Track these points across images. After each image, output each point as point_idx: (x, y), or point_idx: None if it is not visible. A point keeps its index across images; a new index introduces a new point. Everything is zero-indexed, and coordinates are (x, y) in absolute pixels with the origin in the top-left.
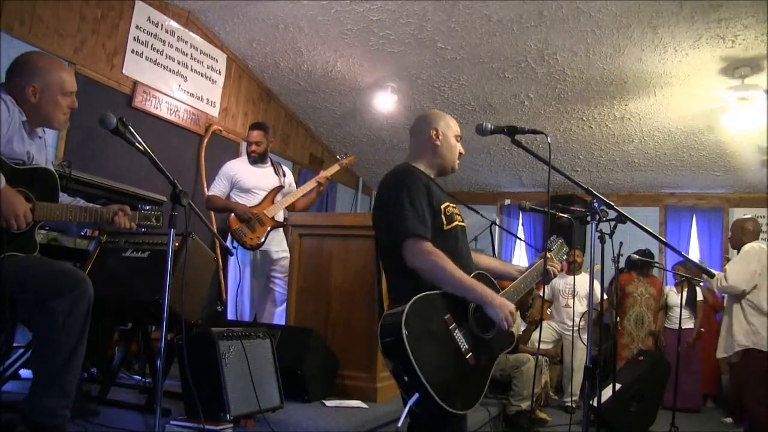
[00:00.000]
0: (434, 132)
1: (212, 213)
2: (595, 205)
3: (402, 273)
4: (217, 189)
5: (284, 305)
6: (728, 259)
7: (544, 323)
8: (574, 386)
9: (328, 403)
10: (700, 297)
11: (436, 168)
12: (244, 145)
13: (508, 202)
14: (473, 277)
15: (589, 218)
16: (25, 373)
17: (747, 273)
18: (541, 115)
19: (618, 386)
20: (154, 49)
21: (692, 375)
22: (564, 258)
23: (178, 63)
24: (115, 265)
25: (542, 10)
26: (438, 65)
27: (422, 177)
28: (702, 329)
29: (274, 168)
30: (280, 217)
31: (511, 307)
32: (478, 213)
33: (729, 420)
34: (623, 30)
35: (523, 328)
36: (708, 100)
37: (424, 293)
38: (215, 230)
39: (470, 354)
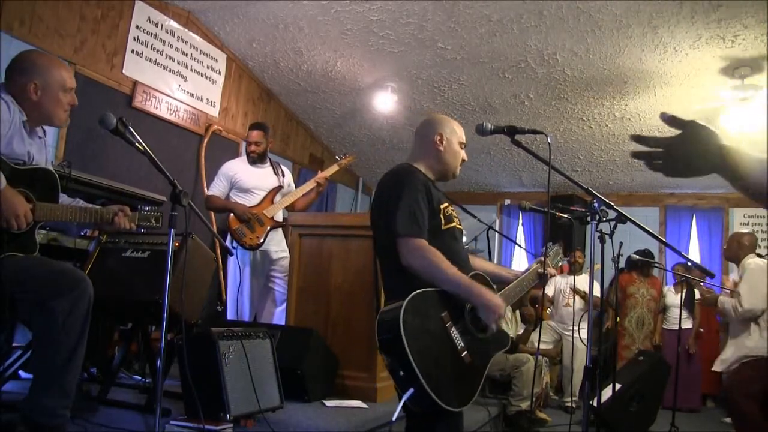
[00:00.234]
0: (438, 137)
1: (212, 213)
2: (595, 205)
3: (399, 271)
4: (217, 189)
5: (284, 305)
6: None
7: (544, 323)
8: (574, 386)
9: (328, 403)
10: (698, 296)
11: (436, 172)
12: (243, 145)
13: (508, 202)
14: (470, 277)
15: (589, 218)
16: (25, 373)
17: (760, 292)
18: (541, 115)
19: (618, 386)
20: (154, 49)
21: (691, 375)
22: (560, 264)
23: (178, 63)
24: (115, 265)
25: (542, 10)
26: (438, 65)
27: (422, 177)
28: (701, 329)
29: (273, 168)
30: (279, 217)
31: (502, 308)
32: (474, 217)
33: (729, 420)
34: (623, 30)
35: (521, 330)
36: (708, 100)
37: (421, 290)
38: (215, 230)
39: (465, 352)
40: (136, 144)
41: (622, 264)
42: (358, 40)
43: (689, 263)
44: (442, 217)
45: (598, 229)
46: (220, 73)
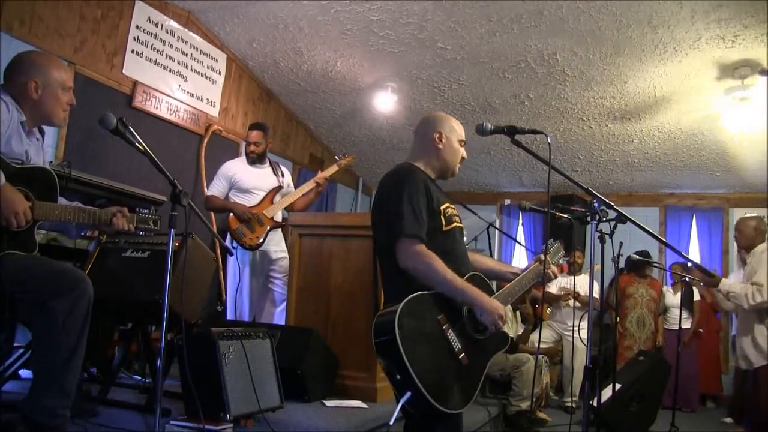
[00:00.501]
0: (438, 135)
1: (212, 213)
2: (595, 205)
3: (398, 273)
4: (216, 189)
5: (283, 305)
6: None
7: (544, 323)
8: (574, 386)
9: (328, 403)
10: (697, 297)
11: (436, 171)
12: (244, 145)
13: (508, 202)
14: (467, 278)
15: (589, 218)
16: (25, 373)
17: None
18: (541, 115)
19: (618, 386)
20: (154, 49)
21: (689, 376)
22: (560, 261)
23: (178, 63)
24: (115, 265)
25: (542, 10)
26: (438, 65)
27: (422, 177)
28: (700, 329)
29: (273, 168)
30: (278, 217)
31: (501, 310)
32: (475, 214)
33: (729, 420)
34: (623, 30)
35: (521, 330)
36: (708, 100)
37: (418, 293)
38: (215, 230)
39: (463, 354)
40: (136, 144)
41: (621, 264)
42: (358, 40)
43: (689, 263)
44: (442, 218)
45: (598, 229)
46: (220, 73)
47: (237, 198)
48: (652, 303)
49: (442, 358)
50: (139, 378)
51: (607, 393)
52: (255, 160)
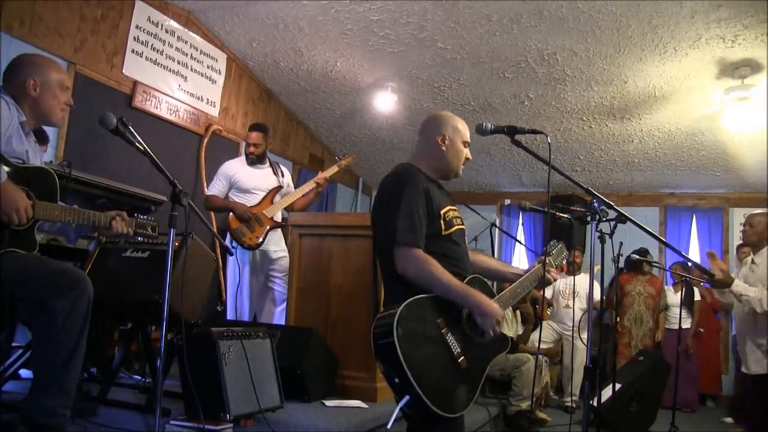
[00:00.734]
0: (441, 137)
1: (212, 213)
2: (595, 205)
3: (397, 275)
4: (216, 189)
5: (283, 305)
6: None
7: (544, 323)
8: (574, 386)
9: (328, 403)
10: (697, 297)
11: (438, 172)
12: (244, 145)
13: (508, 202)
14: (467, 281)
15: (589, 218)
16: (25, 373)
17: None
18: (541, 115)
19: (618, 386)
20: (154, 49)
21: (689, 376)
22: (563, 263)
23: (178, 63)
24: (115, 265)
25: (542, 10)
26: (438, 65)
27: (423, 179)
28: (701, 329)
29: (273, 168)
30: (278, 217)
31: (499, 314)
32: (478, 214)
33: (729, 420)
34: (623, 30)
35: (521, 330)
36: (708, 100)
37: (417, 296)
38: (215, 230)
39: (462, 357)
40: (136, 144)
41: (621, 264)
42: (358, 40)
43: (689, 263)
44: (442, 222)
45: (598, 229)
46: (220, 73)
47: (237, 198)
48: (650, 300)
49: (441, 362)
50: (139, 378)
51: (607, 393)
52: (254, 160)
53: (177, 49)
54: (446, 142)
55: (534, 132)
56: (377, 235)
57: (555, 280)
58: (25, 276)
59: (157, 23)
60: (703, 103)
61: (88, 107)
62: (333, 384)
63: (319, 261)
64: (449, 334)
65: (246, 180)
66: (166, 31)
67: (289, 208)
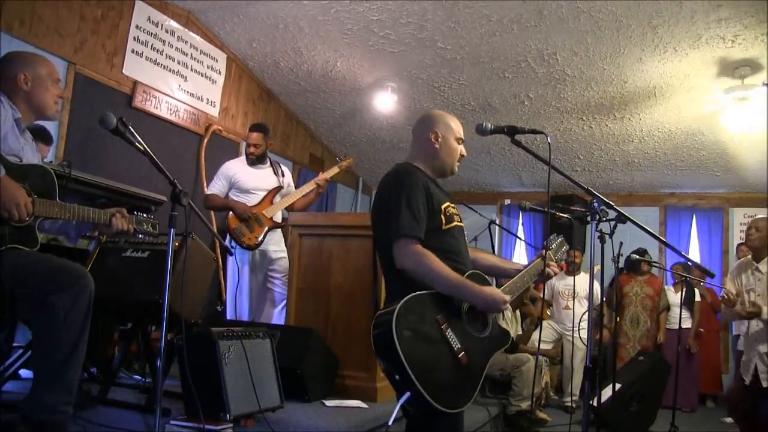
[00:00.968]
0: (433, 135)
1: (212, 213)
2: (595, 205)
3: (397, 272)
4: (216, 188)
5: (283, 305)
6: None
7: (544, 323)
8: (574, 386)
9: (328, 403)
10: (698, 297)
11: (435, 170)
12: (244, 145)
13: (508, 202)
14: (467, 276)
15: (589, 218)
16: (25, 373)
17: None
18: (541, 115)
19: (618, 386)
20: (154, 49)
21: (689, 376)
22: (564, 257)
23: (178, 63)
24: (115, 264)
25: (542, 10)
26: (438, 65)
27: (422, 177)
28: (701, 330)
29: (273, 168)
30: (278, 217)
31: (502, 297)
32: (476, 212)
33: (729, 420)
34: (623, 30)
35: (521, 331)
36: (708, 100)
37: (416, 293)
38: (215, 230)
39: (463, 353)
40: (136, 144)
41: (621, 264)
42: (358, 39)
43: (690, 263)
44: (442, 217)
45: (598, 229)
46: (220, 72)
47: (237, 198)
48: (648, 300)
49: (441, 358)
50: (139, 378)
51: (607, 393)
52: (255, 161)
53: (177, 49)
54: (439, 139)
55: (534, 132)
56: (377, 234)
57: (555, 273)
58: (26, 273)
59: (157, 23)
60: (703, 103)
61: (88, 107)
62: (333, 384)
63: (319, 261)
64: (449, 330)
65: (246, 180)
66: (166, 31)
67: (289, 208)
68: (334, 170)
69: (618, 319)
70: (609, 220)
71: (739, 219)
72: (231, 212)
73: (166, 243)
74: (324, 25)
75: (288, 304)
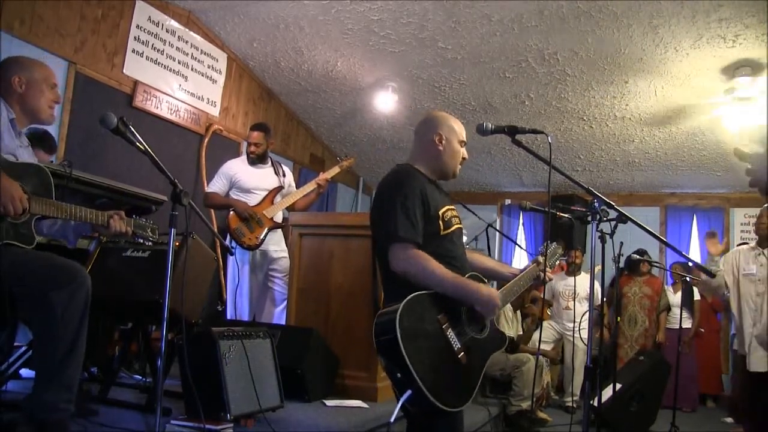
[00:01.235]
0: (437, 137)
1: (212, 212)
2: (596, 204)
3: (395, 274)
4: (216, 187)
5: (283, 305)
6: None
7: (545, 323)
8: (575, 386)
9: (328, 402)
10: (697, 297)
11: (436, 172)
12: (244, 144)
13: (508, 202)
14: (466, 278)
15: (589, 218)
16: (26, 372)
17: None
18: (541, 114)
19: (618, 386)
20: (154, 48)
21: (689, 376)
22: (556, 263)
23: (179, 63)
24: (116, 264)
25: (542, 10)
26: (438, 65)
27: (421, 180)
28: (701, 329)
29: (274, 168)
30: (279, 217)
31: (497, 299)
32: (475, 215)
33: (729, 420)
34: (624, 30)
35: (521, 331)
36: (708, 100)
37: (417, 293)
38: (215, 230)
39: (462, 353)
40: (137, 144)
41: (621, 264)
42: (359, 39)
43: (690, 263)
44: (440, 222)
45: (599, 229)
46: (220, 72)
47: (238, 198)
48: (646, 300)
49: (442, 357)
50: (140, 377)
51: (607, 393)
52: (255, 160)
53: (177, 48)
54: (443, 141)
55: (534, 132)
56: (376, 235)
57: (549, 279)
58: (23, 271)
59: (158, 23)
60: (704, 103)
61: (89, 107)
62: (333, 384)
63: (319, 261)
64: (449, 330)
65: (247, 180)
66: (167, 31)
67: (290, 208)
68: (335, 170)
69: (618, 318)
70: (610, 220)
71: (740, 219)
72: (232, 212)
73: (167, 243)
74: (324, 25)
75: (288, 304)
